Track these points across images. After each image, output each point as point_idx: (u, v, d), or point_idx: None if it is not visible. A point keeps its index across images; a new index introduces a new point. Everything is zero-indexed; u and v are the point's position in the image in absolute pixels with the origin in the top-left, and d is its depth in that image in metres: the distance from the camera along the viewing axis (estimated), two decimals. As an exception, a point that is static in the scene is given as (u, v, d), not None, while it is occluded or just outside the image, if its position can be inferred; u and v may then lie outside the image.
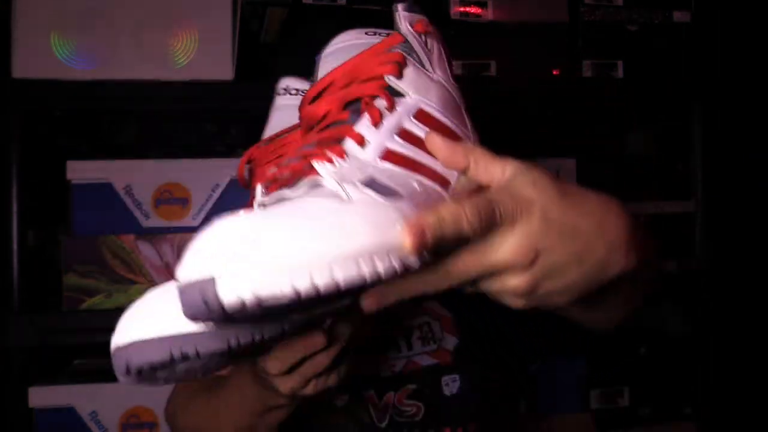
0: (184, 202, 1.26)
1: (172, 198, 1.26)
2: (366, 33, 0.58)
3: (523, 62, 1.38)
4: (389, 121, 0.50)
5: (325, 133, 0.50)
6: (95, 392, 1.22)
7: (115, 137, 1.61)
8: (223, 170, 1.28)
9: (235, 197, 1.24)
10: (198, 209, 1.27)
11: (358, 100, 0.51)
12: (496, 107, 1.50)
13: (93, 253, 1.22)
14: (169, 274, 1.23)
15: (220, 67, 1.22)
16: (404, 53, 0.53)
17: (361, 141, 0.48)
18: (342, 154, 0.47)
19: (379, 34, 0.58)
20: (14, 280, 1.19)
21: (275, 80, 0.80)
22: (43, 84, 1.18)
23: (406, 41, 0.54)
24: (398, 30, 0.55)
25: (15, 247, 1.19)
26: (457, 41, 1.36)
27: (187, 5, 1.22)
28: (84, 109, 1.28)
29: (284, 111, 0.72)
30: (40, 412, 1.21)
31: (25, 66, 1.17)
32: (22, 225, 1.20)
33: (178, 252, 1.24)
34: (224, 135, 1.65)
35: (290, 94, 0.72)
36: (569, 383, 1.38)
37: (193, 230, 1.29)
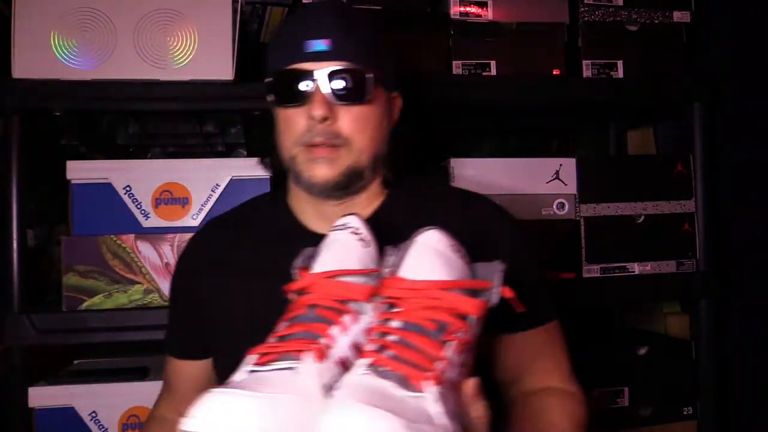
0: (184, 202, 1.26)
1: (171, 198, 1.26)
2: (452, 247, 0.67)
3: (523, 62, 1.38)
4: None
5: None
6: (95, 392, 1.22)
7: (115, 137, 1.61)
8: (223, 170, 1.28)
9: (235, 197, 1.24)
10: (198, 209, 1.26)
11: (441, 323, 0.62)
12: (496, 107, 1.50)
13: (93, 253, 1.21)
14: (169, 274, 1.23)
15: (220, 67, 1.22)
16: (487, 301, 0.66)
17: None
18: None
19: (462, 257, 0.67)
20: (14, 280, 1.19)
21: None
22: (43, 84, 1.18)
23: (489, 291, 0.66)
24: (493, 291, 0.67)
25: (15, 247, 1.19)
26: (457, 41, 1.36)
27: (187, 5, 1.22)
28: (84, 109, 1.28)
29: (338, 246, 0.71)
30: (40, 412, 1.20)
31: (25, 66, 1.17)
32: (22, 225, 1.20)
33: (178, 252, 1.24)
34: (224, 135, 1.65)
35: (349, 231, 0.72)
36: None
37: (193, 230, 1.29)
